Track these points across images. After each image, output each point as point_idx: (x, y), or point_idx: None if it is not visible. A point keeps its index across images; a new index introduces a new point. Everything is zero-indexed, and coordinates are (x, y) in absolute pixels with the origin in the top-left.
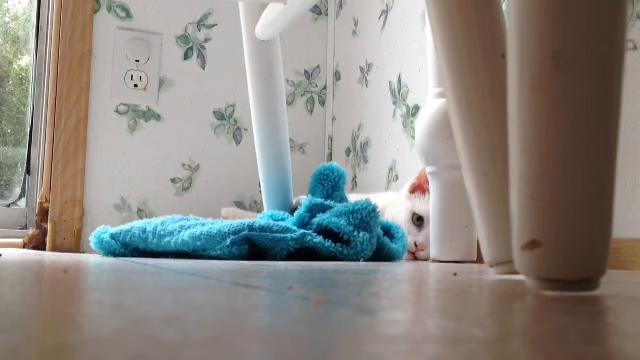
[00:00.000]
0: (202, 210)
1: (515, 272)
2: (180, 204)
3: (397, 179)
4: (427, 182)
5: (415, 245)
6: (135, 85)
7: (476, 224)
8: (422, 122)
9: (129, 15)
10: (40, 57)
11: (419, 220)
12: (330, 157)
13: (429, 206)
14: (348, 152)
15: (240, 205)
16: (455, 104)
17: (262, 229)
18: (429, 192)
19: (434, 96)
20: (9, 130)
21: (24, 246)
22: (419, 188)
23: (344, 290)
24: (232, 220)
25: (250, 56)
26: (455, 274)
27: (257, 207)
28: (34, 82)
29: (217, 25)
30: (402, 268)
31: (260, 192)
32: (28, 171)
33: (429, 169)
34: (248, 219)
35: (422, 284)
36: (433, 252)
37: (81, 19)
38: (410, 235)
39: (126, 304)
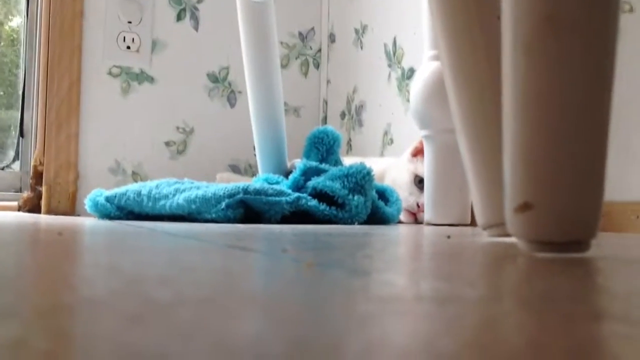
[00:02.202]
0: (196, 174)
1: (507, 235)
2: (175, 167)
3: (392, 142)
4: None
5: (417, 205)
6: (128, 47)
7: (470, 187)
8: (417, 85)
9: None
10: (31, 18)
11: (420, 182)
12: (324, 120)
13: None
14: (342, 115)
15: (235, 168)
16: (450, 67)
17: (257, 192)
18: None
19: (429, 58)
20: (1, 93)
21: (19, 209)
22: (421, 151)
23: (338, 252)
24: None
25: (244, 18)
26: (449, 237)
27: (251, 170)
28: (25, 43)
29: None
30: (396, 231)
31: (255, 155)
32: (21, 134)
33: (423, 132)
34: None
35: (415, 247)
36: (427, 215)
37: None
38: (412, 197)
39: (121, 265)
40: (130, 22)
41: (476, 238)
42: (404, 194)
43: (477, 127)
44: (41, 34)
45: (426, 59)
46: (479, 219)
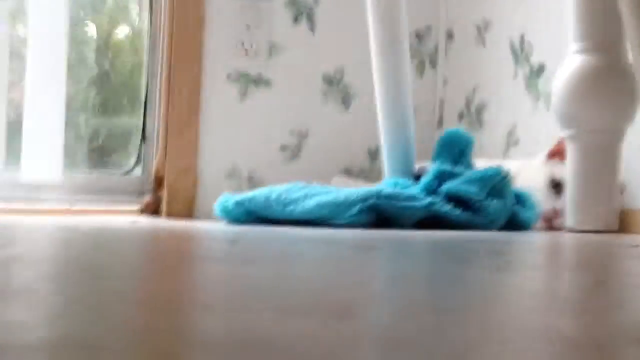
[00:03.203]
0: (310, 177)
1: None
2: (289, 171)
3: (517, 143)
4: None
5: (554, 211)
6: (246, 51)
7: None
8: (560, 82)
9: None
10: (154, 27)
11: (557, 187)
12: (440, 121)
13: None
14: (461, 115)
15: (348, 172)
16: None
17: (390, 197)
18: None
19: (574, 52)
20: (125, 100)
21: (141, 213)
22: (558, 154)
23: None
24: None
25: (374, 14)
26: (637, 246)
27: (364, 173)
28: (148, 51)
29: None
30: (555, 240)
31: (369, 158)
32: (143, 139)
33: (566, 132)
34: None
35: (619, 263)
36: (569, 220)
37: None
38: (547, 201)
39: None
40: (248, 26)
41: None
42: (539, 198)
43: None
44: (164, 40)
45: (570, 52)
46: None
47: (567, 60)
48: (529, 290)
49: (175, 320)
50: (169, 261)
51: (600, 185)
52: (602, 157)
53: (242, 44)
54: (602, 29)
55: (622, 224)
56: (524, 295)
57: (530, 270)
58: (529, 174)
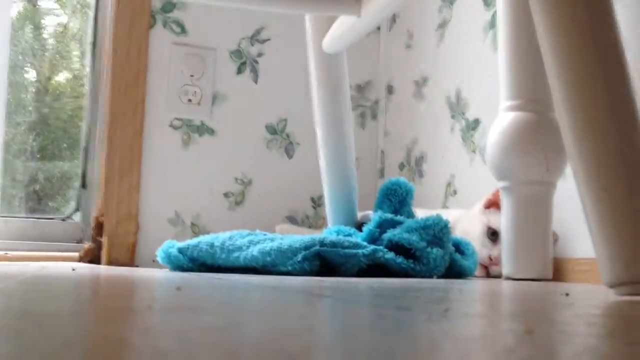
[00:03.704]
0: (254, 225)
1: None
2: (233, 218)
3: (455, 193)
4: None
5: (490, 259)
6: (189, 100)
7: (593, 242)
8: (494, 136)
9: (183, 31)
10: (96, 73)
11: (493, 235)
12: (382, 171)
13: None
14: (401, 166)
15: (292, 219)
16: (568, 115)
17: (333, 244)
18: None
19: (506, 109)
20: (65, 145)
21: (80, 260)
22: (494, 203)
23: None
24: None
25: (317, 69)
26: (567, 294)
27: (308, 221)
28: (89, 97)
29: (270, 39)
30: (487, 287)
31: (312, 206)
32: (83, 185)
33: (501, 184)
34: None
35: (545, 306)
36: (506, 269)
37: (137, 35)
38: (484, 249)
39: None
40: (192, 76)
41: (600, 296)
42: (476, 246)
43: (603, 179)
44: (106, 87)
45: (502, 109)
46: (606, 275)
47: (499, 117)
48: (464, 336)
49: None
50: (113, 309)
51: (534, 235)
52: (535, 207)
53: (186, 92)
54: (530, 88)
55: (556, 272)
56: (459, 342)
57: (466, 318)
58: (467, 223)
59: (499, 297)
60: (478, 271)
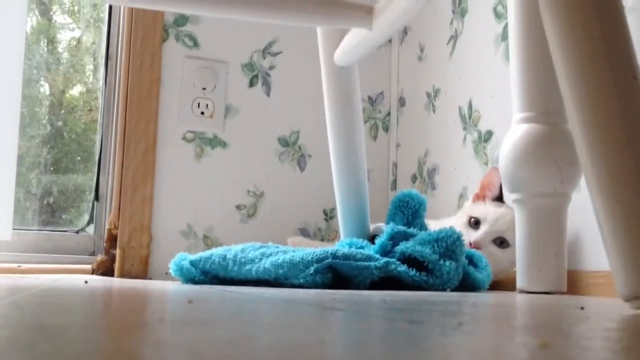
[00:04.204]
0: (266, 237)
1: None
2: (245, 231)
3: None
4: (489, 190)
5: (470, 244)
6: (202, 113)
7: (608, 255)
8: (507, 148)
9: (196, 44)
10: (109, 86)
11: (476, 224)
12: (394, 183)
13: (487, 209)
14: (414, 178)
15: (304, 232)
16: (582, 128)
17: (346, 257)
18: (488, 199)
19: (518, 121)
20: (78, 158)
21: (93, 272)
22: (480, 197)
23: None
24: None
25: (329, 82)
26: (582, 308)
27: (320, 234)
28: (102, 109)
29: (281, 52)
30: (504, 300)
31: (324, 219)
32: (97, 198)
33: (514, 196)
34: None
35: (560, 322)
36: (520, 282)
37: (150, 48)
38: (465, 237)
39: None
40: (204, 89)
41: (616, 310)
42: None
43: (617, 191)
44: (119, 101)
45: (515, 121)
46: (621, 289)
47: (512, 129)
48: (477, 350)
49: None
50: (124, 322)
51: (548, 248)
52: (548, 220)
53: (198, 105)
54: (543, 100)
55: (571, 285)
56: (473, 356)
57: (480, 331)
58: (455, 220)
59: (513, 311)
60: None
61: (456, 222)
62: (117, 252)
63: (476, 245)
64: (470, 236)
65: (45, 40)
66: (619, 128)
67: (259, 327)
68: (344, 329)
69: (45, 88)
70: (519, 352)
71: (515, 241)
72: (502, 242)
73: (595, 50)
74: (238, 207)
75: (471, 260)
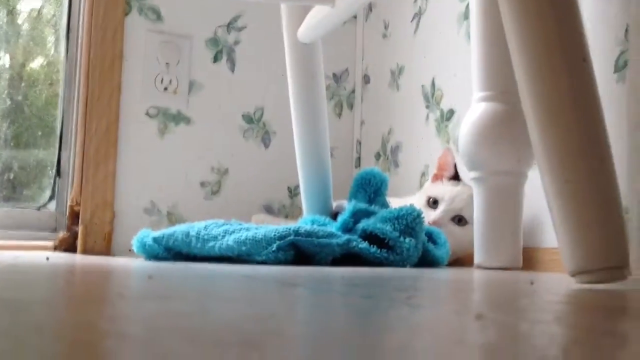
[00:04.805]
0: (231, 214)
1: (599, 282)
2: (210, 208)
3: None
4: (445, 170)
5: (429, 224)
6: (165, 89)
7: (556, 232)
8: (466, 127)
9: (159, 18)
10: (71, 59)
11: (434, 203)
12: (358, 161)
13: (444, 188)
14: (377, 156)
15: (268, 209)
16: (534, 109)
17: (308, 234)
18: (445, 179)
19: (478, 100)
20: (39, 133)
21: (55, 249)
22: (438, 177)
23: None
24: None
25: (292, 58)
26: (532, 283)
27: (285, 210)
28: (64, 84)
29: (246, 27)
30: (461, 275)
31: (289, 196)
32: (58, 173)
33: (472, 174)
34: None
35: (513, 294)
36: (477, 258)
37: (112, 21)
38: (425, 217)
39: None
40: (168, 64)
41: (564, 285)
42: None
43: (565, 171)
44: (80, 75)
45: (475, 100)
46: (568, 264)
47: (471, 107)
48: (417, 321)
49: (92, 351)
50: (85, 296)
51: (504, 225)
52: (506, 198)
53: (162, 80)
54: (503, 79)
55: (527, 262)
56: (412, 325)
57: (425, 304)
58: (415, 200)
59: (464, 285)
60: None
61: (417, 201)
62: (80, 228)
63: (435, 224)
64: (429, 216)
65: (5, 11)
66: (568, 109)
67: (217, 301)
68: (297, 303)
69: (4, 60)
70: (453, 322)
71: (473, 219)
72: (460, 220)
73: (546, 33)
74: (202, 184)
75: (430, 237)
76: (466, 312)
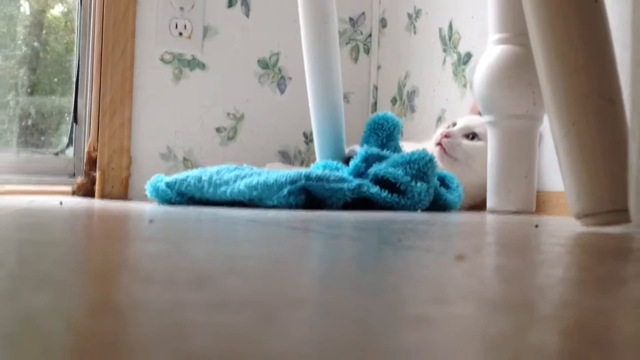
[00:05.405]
0: (246, 160)
1: (604, 224)
2: (225, 153)
3: None
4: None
5: (442, 135)
6: (180, 34)
7: (562, 175)
8: (481, 70)
9: None
10: (85, 6)
11: (473, 137)
12: (374, 106)
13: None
14: (394, 101)
15: (284, 154)
16: (543, 52)
17: (319, 178)
18: None
19: (494, 42)
20: (56, 80)
21: (73, 193)
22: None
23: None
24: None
25: (304, 2)
26: (537, 226)
27: (300, 156)
28: (79, 31)
29: None
30: (469, 219)
31: (304, 142)
32: (75, 120)
33: (487, 118)
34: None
35: (515, 237)
36: (490, 202)
37: None
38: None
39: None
40: (182, 9)
41: (568, 228)
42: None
43: (572, 113)
44: (95, 22)
45: (491, 42)
46: (573, 207)
47: (487, 50)
48: (400, 262)
49: (113, 291)
50: (100, 239)
51: (518, 169)
52: (520, 141)
53: (176, 25)
54: (519, 20)
55: (540, 205)
56: (387, 268)
57: (413, 248)
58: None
59: (468, 228)
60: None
61: (431, 146)
62: (97, 174)
63: (447, 134)
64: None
65: None
66: (578, 51)
67: (197, 243)
68: (285, 243)
69: (25, 7)
70: (433, 264)
71: (486, 137)
72: (473, 136)
73: None
74: (218, 130)
75: (443, 182)
76: (452, 253)
